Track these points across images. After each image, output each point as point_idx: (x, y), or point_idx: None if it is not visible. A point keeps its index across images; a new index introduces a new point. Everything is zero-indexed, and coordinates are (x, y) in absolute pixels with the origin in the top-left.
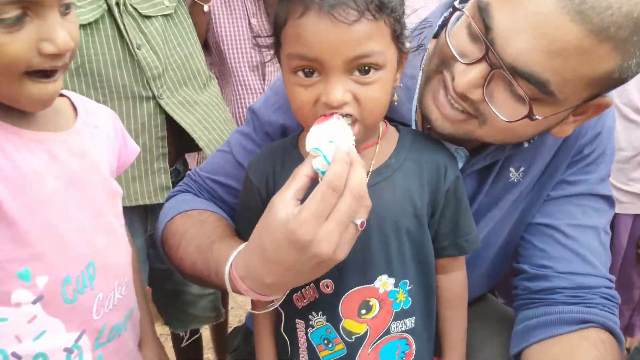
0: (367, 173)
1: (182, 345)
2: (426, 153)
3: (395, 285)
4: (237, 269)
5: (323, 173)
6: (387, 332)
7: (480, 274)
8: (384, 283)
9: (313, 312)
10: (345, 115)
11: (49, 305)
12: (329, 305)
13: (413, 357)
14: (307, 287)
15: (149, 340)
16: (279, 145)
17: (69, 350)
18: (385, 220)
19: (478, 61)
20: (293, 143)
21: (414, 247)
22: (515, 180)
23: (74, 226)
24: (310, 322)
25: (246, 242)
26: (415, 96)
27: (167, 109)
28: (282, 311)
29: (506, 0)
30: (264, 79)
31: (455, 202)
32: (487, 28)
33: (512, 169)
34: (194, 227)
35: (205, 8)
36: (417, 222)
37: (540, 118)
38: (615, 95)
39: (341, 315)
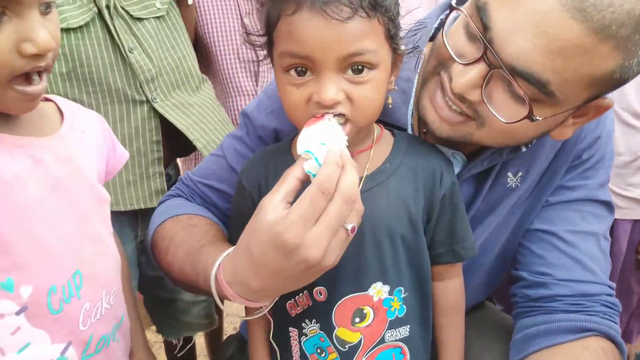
0: (361, 178)
1: (176, 353)
2: (422, 158)
3: (390, 293)
4: (225, 273)
5: (314, 176)
6: (382, 340)
7: (478, 281)
8: (378, 291)
9: (306, 320)
10: (338, 115)
11: (33, 316)
12: (322, 313)
13: None
14: (300, 294)
15: (140, 350)
16: (272, 150)
17: None
18: (379, 226)
19: (476, 61)
20: (286, 147)
21: (409, 254)
22: (513, 186)
23: (59, 233)
24: (304, 331)
25: (234, 246)
26: (412, 100)
27: (161, 111)
28: (271, 319)
29: None
30: (256, 81)
31: (452, 208)
32: (485, 27)
33: (509, 174)
34: (184, 232)
35: (190, 1)
36: (412, 228)
37: (540, 119)
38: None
39: (334, 324)
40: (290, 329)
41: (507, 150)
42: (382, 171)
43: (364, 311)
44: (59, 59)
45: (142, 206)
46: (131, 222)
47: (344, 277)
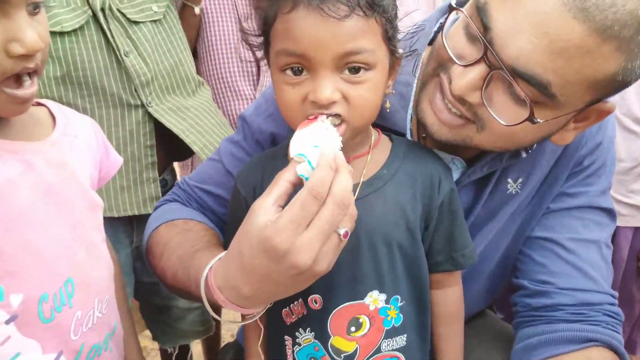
0: (358, 184)
1: None
2: (420, 164)
3: (387, 302)
4: (216, 278)
5: (307, 179)
6: (378, 350)
7: (478, 289)
8: (374, 299)
9: (301, 329)
10: (333, 116)
11: (24, 325)
12: (317, 322)
13: None
14: (295, 302)
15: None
16: (268, 155)
17: None
18: (375, 233)
19: (476, 62)
20: (283, 152)
21: (406, 262)
22: (514, 192)
23: (51, 240)
24: (297, 340)
25: (226, 250)
26: (411, 104)
27: (156, 115)
28: (262, 326)
29: None
30: (255, 86)
31: (450, 215)
32: (485, 28)
33: (510, 180)
34: (179, 237)
35: (197, 11)
36: (410, 235)
37: (541, 121)
38: None
39: (330, 333)
40: (286, 337)
41: (507, 156)
42: (379, 177)
43: (360, 320)
44: (54, 63)
45: (136, 212)
46: (126, 228)
47: (339, 285)
